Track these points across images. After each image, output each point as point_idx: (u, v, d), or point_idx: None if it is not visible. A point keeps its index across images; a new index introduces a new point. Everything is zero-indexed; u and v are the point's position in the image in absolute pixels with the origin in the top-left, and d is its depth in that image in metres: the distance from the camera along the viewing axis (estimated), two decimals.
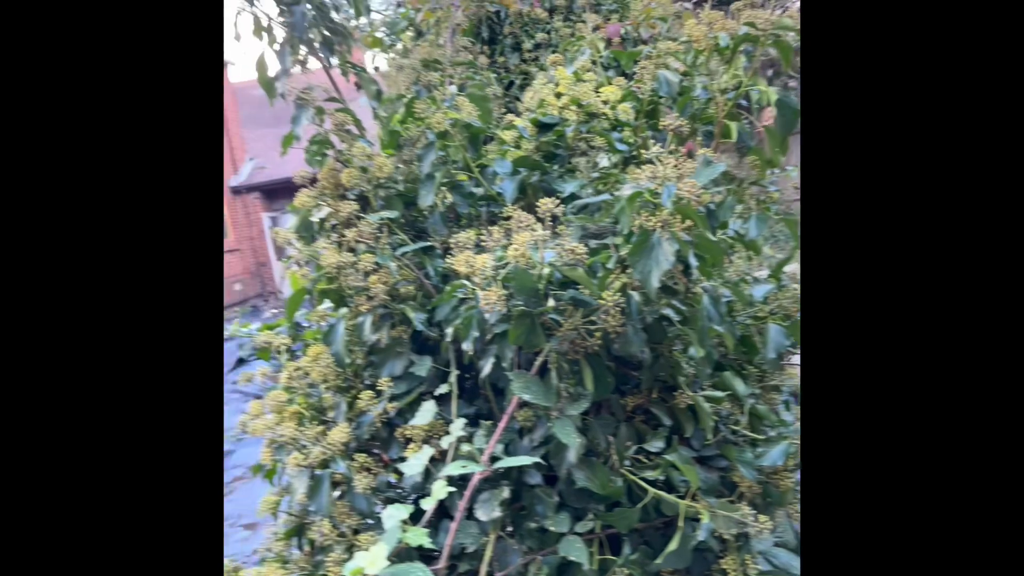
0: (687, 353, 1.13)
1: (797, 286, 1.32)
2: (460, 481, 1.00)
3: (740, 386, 1.21)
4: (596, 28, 1.60)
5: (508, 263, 0.95)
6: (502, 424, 0.97)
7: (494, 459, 0.98)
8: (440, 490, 0.87)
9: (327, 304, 1.23)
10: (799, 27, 1.29)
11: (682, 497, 1.02)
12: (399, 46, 3.39)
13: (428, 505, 0.87)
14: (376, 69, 3.27)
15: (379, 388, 1.09)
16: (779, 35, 1.27)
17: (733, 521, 1.02)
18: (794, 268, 1.41)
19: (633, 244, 0.90)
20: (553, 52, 2.82)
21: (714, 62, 1.37)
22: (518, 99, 2.51)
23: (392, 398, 1.10)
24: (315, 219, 1.31)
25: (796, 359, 1.41)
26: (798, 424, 1.26)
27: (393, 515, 0.84)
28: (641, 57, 1.48)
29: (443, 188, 1.30)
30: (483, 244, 0.95)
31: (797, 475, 1.18)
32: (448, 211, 1.37)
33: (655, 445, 1.10)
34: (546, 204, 0.89)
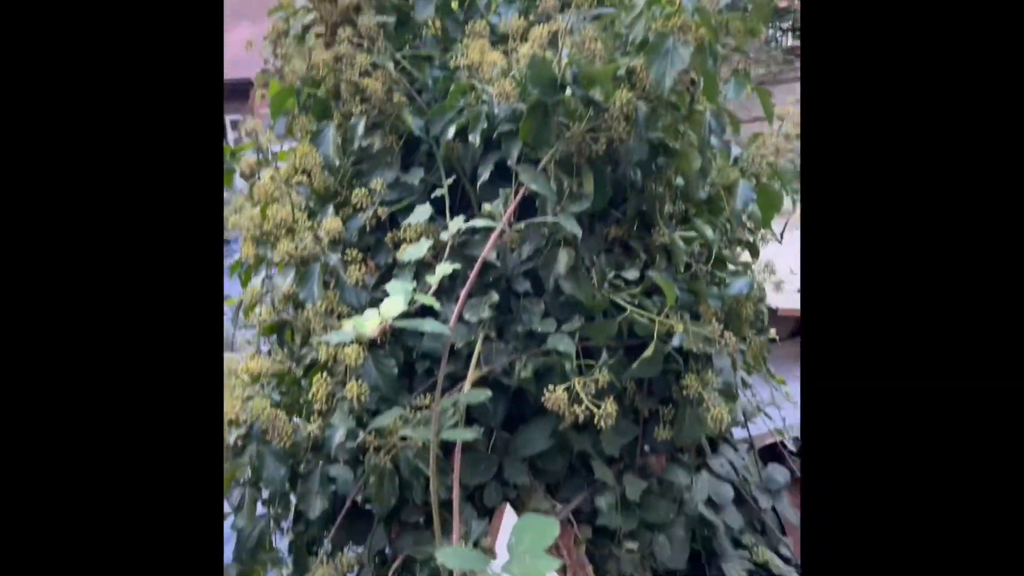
0: (671, 187, 1.18)
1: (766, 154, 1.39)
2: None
3: (709, 232, 1.28)
4: None
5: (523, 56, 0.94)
6: (509, 210, 0.98)
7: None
8: (446, 268, 0.88)
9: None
10: None
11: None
12: None
13: (434, 280, 0.88)
14: None
15: (373, 187, 1.07)
16: None
17: (702, 337, 1.11)
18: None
19: (650, 45, 0.92)
20: None
21: None
22: None
23: (382, 204, 1.09)
24: (297, 27, 1.24)
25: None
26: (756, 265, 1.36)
27: (398, 286, 0.85)
28: None
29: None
30: (503, 33, 0.94)
31: (758, 304, 1.28)
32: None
33: (632, 274, 1.16)
34: None
